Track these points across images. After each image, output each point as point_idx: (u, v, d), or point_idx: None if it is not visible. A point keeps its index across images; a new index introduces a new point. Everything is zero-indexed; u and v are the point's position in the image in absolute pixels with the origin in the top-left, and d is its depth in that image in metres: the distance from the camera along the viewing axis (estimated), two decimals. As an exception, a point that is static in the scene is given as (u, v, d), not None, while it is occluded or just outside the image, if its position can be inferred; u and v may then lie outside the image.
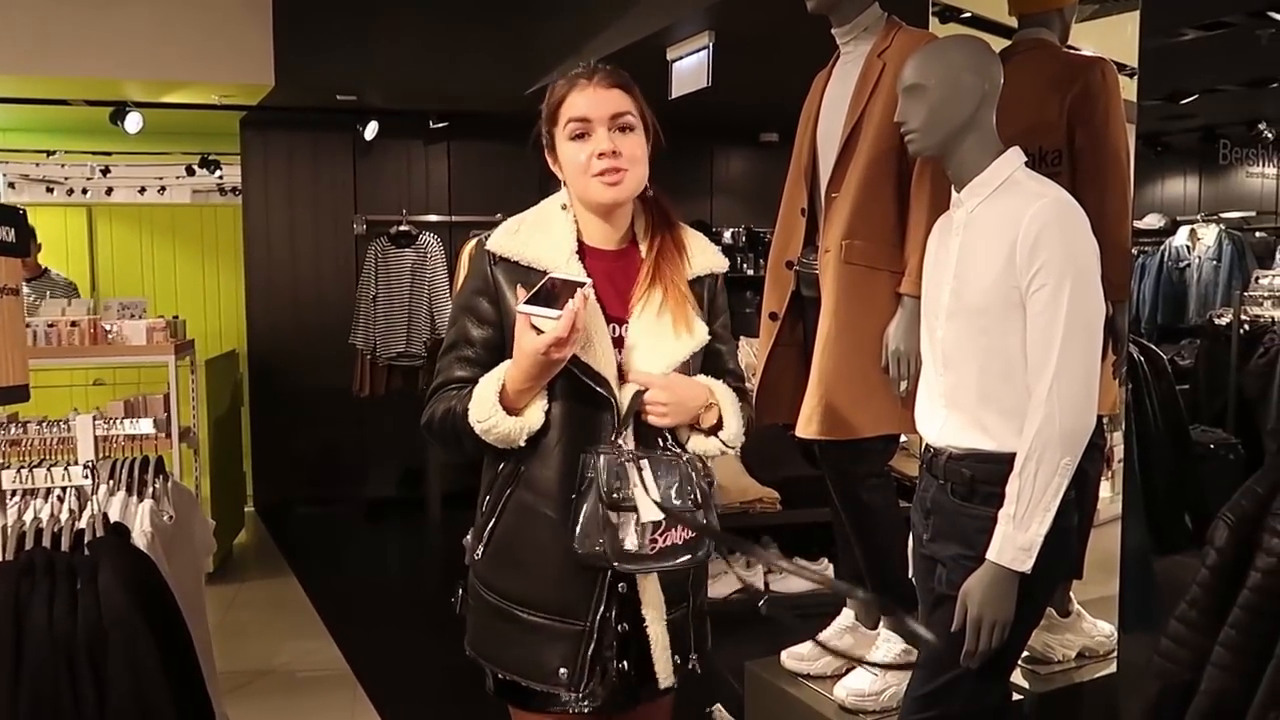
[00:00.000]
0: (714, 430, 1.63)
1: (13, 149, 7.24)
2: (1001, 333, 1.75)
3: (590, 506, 1.49)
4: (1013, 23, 2.62)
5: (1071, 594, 2.60)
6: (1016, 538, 1.68)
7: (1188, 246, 2.96)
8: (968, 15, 4.68)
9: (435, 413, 1.59)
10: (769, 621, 3.35)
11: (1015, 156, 1.82)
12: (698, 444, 1.63)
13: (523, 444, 1.52)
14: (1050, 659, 2.50)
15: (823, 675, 2.57)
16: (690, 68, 4.13)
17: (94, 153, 7.56)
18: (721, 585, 3.68)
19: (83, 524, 1.49)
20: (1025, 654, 2.35)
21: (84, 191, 7.95)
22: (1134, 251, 2.60)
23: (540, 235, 1.61)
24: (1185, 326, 2.90)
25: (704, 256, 1.69)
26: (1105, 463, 2.52)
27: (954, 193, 1.90)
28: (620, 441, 1.54)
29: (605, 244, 1.65)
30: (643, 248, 1.65)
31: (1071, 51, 2.53)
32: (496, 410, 1.49)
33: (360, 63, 5.07)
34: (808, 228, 2.46)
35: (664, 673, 1.60)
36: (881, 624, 2.51)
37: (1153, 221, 2.98)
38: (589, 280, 1.52)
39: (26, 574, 1.38)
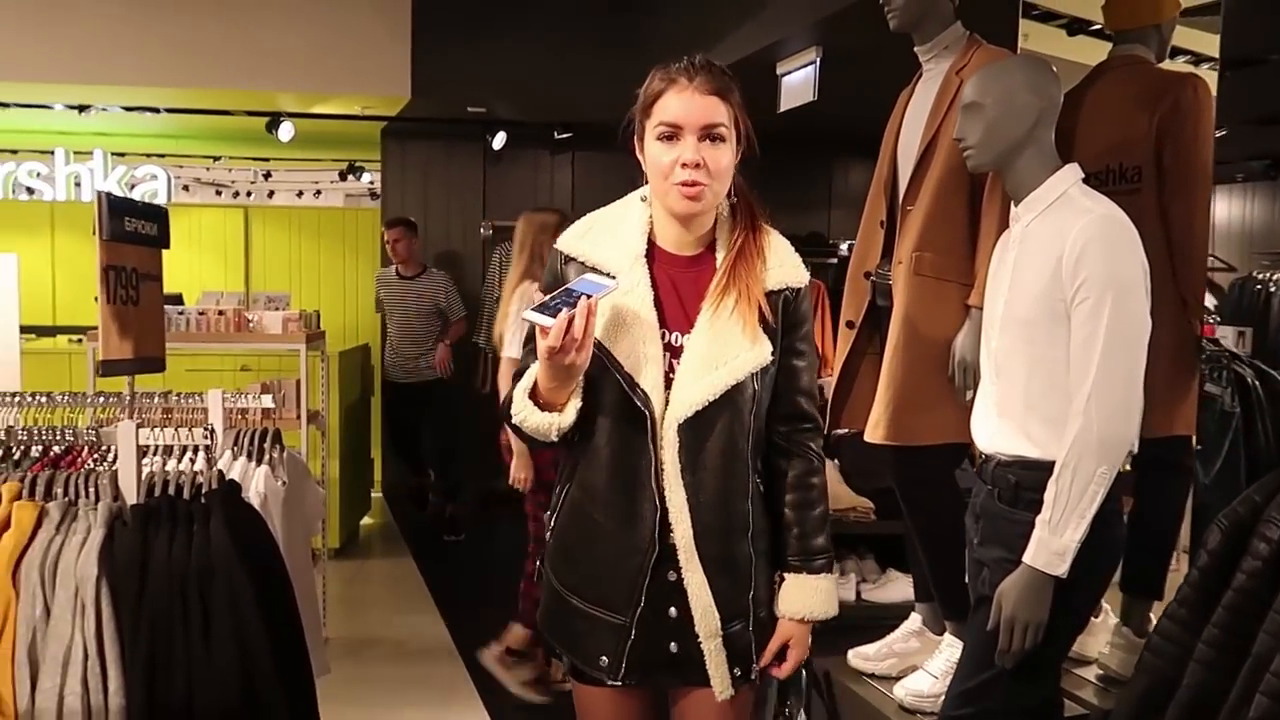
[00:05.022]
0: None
1: (184, 154, 7.97)
2: (1047, 343, 1.80)
3: None
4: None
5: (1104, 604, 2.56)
6: (1051, 542, 1.73)
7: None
8: (1098, 27, 4.59)
9: (504, 399, 1.66)
10: (862, 630, 3.39)
11: (1070, 173, 1.86)
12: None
13: (554, 439, 1.55)
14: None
15: (887, 676, 2.62)
16: (798, 81, 4.22)
17: (254, 159, 8.22)
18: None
19: (201, 479, 1.74)
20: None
21: (248, 194, 8.65)
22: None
23: (608, 237, 1.62)
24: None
25: (783, 269, 1.62)
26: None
27: (1013, 207, 1.96)
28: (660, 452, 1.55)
29: (678, 249, 1.62)
30: (719, 255, 1.61)
31: (1164, 68, 2.52)
32: (528, 405, 1.54)
33: (489, 77, 5.40)
34: (886, 240, 2.53)
35: (720, 685, 1.60)
36: (946, 630, 2.55)
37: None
38: (611, 284, 1.50)
39: (153, 516, 1.64)
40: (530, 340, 1.64)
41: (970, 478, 2.02)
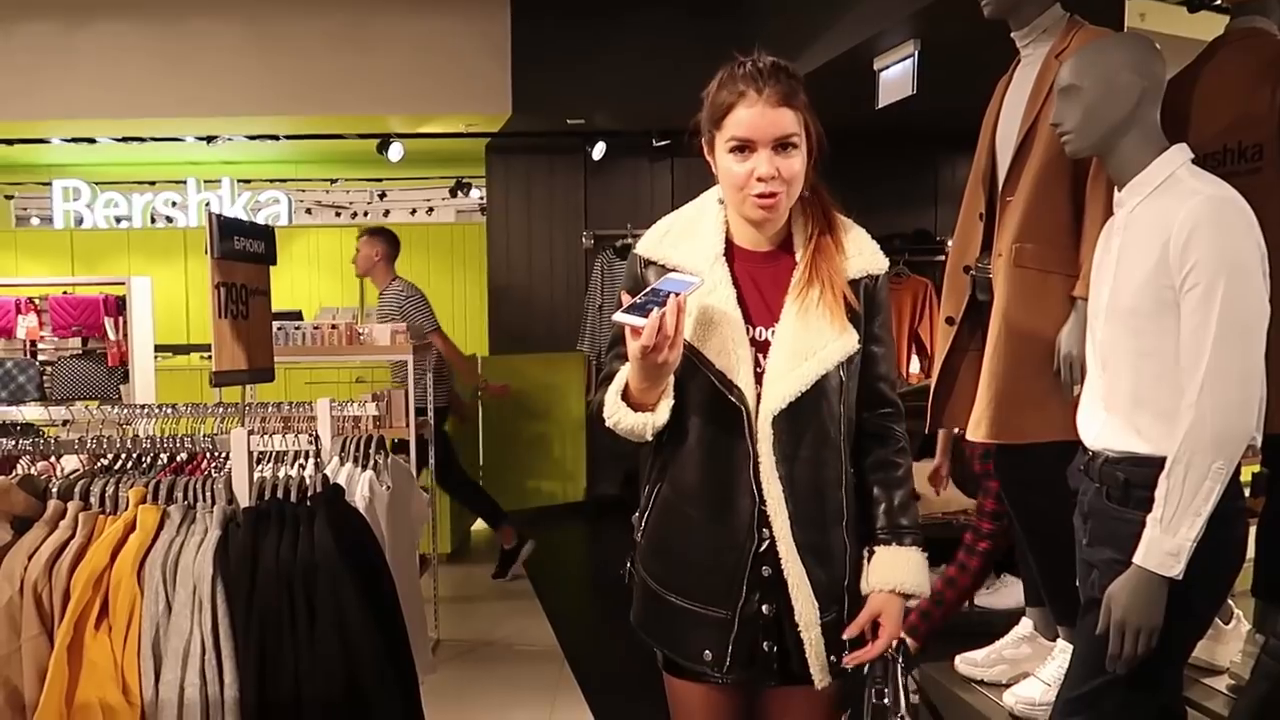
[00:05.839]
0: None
1: (304, 179, 8.36)
2: (1155, 334, 1.71)
3: None
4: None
5: (1230, 601, 2.41)
6: (1163, 542, 1.64)
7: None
8: (1220, 2, 4.35)
9: (593, 403, 1.68)
10: (974, 635, 3.31)
11: (1178, 154, 1.77)
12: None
13: (649, 438, 1.57)
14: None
15: (996, 682, 2.54)
16: (896, 76, 4.14)
17: (369, 180, 8.57)
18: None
19: (308, 483, 1.82)
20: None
21: (365, 214, 9.02)
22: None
23: (687, 239, 1.64)
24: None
25: (862, 257, 1.64)
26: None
27: (1116, 193, 1.87)
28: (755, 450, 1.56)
29: (755, 246, 1.65)
30: (799, 252, 1.63)
31: (1288, 40, 2.37)
32: (620, 406, 1.55)
33: (587, 89, 5.49)
34: (985, 232, 2.46)
35: (819, 673, 1.61)
36: (1059, 636, 2.45)
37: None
38: (695, 281, 1.52)
39: (263, 518, 1.72)
40: (615, 344, 1.67)
41: (1079, 476, 1.94)
